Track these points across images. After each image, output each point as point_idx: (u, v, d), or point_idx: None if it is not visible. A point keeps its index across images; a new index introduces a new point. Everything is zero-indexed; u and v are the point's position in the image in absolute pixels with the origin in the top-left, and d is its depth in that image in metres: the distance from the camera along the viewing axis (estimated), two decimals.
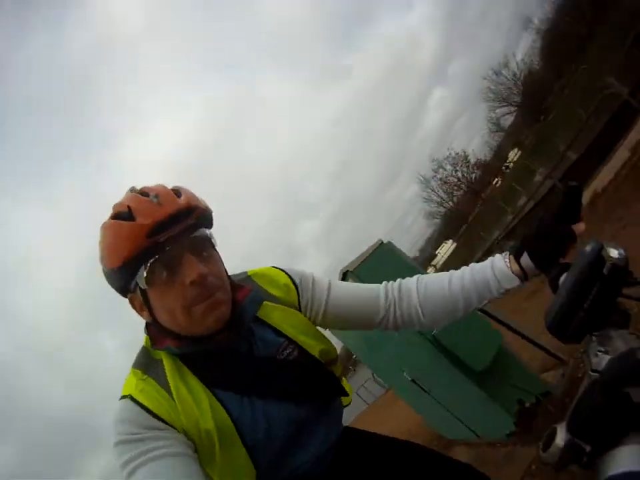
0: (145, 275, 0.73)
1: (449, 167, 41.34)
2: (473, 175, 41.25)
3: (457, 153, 40.59)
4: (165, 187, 0.79)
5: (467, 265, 0.93)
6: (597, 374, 0.52)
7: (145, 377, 0.77)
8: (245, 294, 0.85)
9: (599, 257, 0.57)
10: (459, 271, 0.91)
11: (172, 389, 0.75)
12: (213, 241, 0.81)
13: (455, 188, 41.77)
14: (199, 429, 0.74)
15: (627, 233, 4.46)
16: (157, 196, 0.75)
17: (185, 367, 0.79)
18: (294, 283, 0.92)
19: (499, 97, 35.22)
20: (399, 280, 0.96)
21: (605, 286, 0.57)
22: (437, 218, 42.88)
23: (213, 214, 0.84)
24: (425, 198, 42.83)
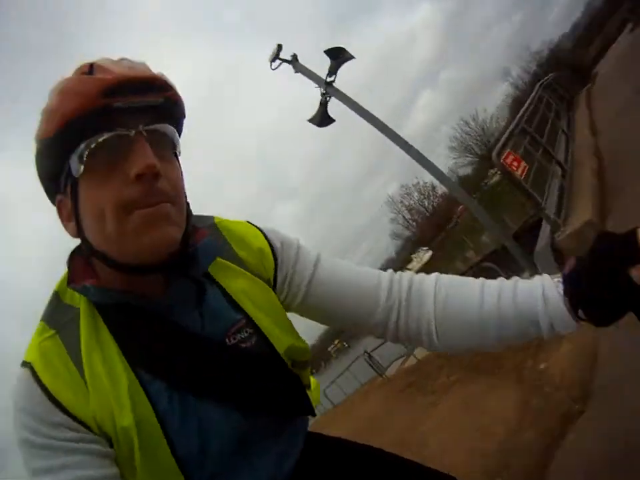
0: (86, 153, 0.52)
1: (416, 195, 44.16)
2: (438, 206, 44.22)
3: (425, 183, 43.45)
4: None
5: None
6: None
7: (51, 332, 0.57)
8: (202, 236, 0.63)
9: None
10: (494, 283, 0.64)
11: (84, 358, 0.55)
12: (177, 144, 0.59)
13: (420, 216, 44.58)
14: (115, 423, 0.54)
15: None
16: (131, 62, 0.57)
17: (105, 327, 0.57)
18: (272, 248, 0.69)
19: (462, 145, 37.56)
20: (409, 274, 0.70)
21: None
22: (401, 239, 45.53)
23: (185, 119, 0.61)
24: (391, 219, 45.38)
